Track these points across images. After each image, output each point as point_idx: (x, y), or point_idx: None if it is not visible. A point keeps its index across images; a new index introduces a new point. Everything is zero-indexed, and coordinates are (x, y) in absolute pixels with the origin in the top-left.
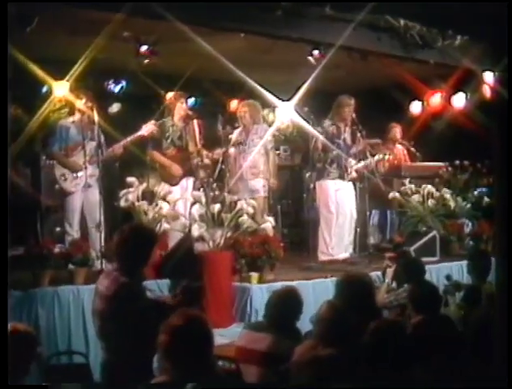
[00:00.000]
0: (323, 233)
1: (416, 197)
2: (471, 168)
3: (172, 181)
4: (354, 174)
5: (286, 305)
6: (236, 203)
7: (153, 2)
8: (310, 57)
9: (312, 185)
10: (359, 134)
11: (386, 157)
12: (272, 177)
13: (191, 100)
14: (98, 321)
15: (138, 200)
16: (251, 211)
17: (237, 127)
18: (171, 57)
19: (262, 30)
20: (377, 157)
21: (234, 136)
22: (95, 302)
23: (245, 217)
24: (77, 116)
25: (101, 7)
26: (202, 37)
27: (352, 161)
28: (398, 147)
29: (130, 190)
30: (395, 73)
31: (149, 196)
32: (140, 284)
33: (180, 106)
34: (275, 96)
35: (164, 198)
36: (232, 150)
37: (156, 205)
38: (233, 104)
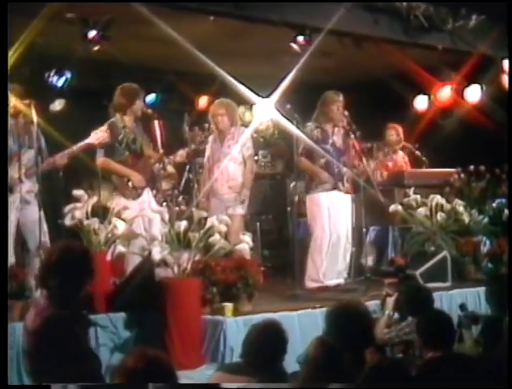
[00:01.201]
0: (313, 255)
1: (422, 210)
2: (488, 174)
3: (129, 194)
4: (351, 184)
5: (267, 341)
6: (206, 219)
7: None
8: (294, 44)
9: (297, 198)
10: (352, 136)
11: (388, 156)
12: (245, 187)
13: (150, 97)
14: (27, 361)
15: (87, 217)
16: (224, 229)
17: (207, 129)
18: (125, 44)
19: (236, 11)
20: (376, 160)
21: (209, 146)
22: (23, 340)
23: (216, 237)
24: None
25: None
26: (163, 19)
27: (344, 169)
28: (399, 152)
29: (78, 205)
30: (396, 62)
31: (101, 212)
32: (73, 316)
33: (138, 104)
34: (252, 90)
35: (118, 216)
36: (205, 160)
37: (110, 223)
38: (202, 100)
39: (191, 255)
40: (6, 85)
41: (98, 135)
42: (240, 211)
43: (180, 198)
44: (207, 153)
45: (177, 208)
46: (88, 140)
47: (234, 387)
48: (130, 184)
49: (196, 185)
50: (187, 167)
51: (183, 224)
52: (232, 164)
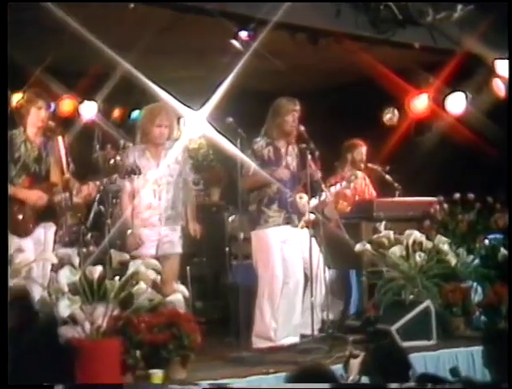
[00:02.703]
0: (261, 307)
1: (396, 249)
2: (478, 203)
3: (22, 230)
4: (309, 217)
5: None
6: (127, 263)
7: None
8: (235, 41)
9: (242, 235)
10: (310, 157)
11: (353, 183)
12: (192, 220)
13: (135, 112)
14: None
15: None
16: (152, 275)
17: (121, 148)
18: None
19: None
20: (339, 186)
21: (135, 165)
22: None
23: (142, 286)
24: None
25: None
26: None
27: (303, 197)
28: (360, 174)
29: None
30: (361, 64)
31: None
32: None
33: (36, 113)
34: (179, 100)
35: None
36: (127, 183)
37: None
38: (116, 112)
39: (108, 309)
40: (6, 85)
41: None
42: (178, 249)
43: (89, 236)
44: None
45: (85, 249)
46: None
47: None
48: (20, 216)
49: (109, 220)
50: (97, 196)
51: (97, 269)
52: (171, 189)
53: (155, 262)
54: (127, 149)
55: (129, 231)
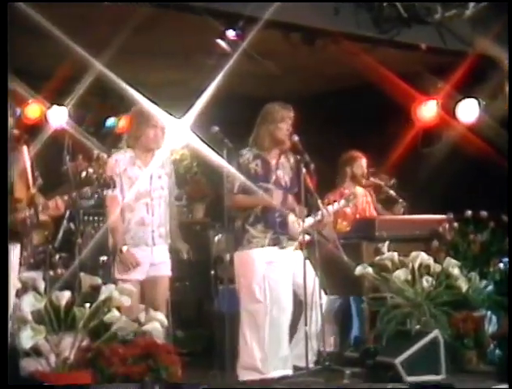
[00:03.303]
0: (246, 336)
1: (400, 273)
2: (491, 222)
3: None
4: (303, 237)
5: None
6: (99, 288)
7: None
8: (221, 41)
9: (228, 257)
10: (304, 170)
11: (352, 202)
12: (179, 239)
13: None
14: None
15: None
16: (127, 302)
17: (94, 160)
18: None
19: None
20: (337, 205)
21: (121, 174)
22: None
23: (115, 314)
24: None
25: None
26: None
27: (290, 216)
28: (359, 190)
29: None
30: (362, 67)
31: None
32: None
33: None
34: (159, 107)
35: None
36: (108, 192)
37: None
38: (89, 119)
39: (76, 340)
40: (6, 86)
41: None
42: (169, 271)
43: (57, 258)
44: (119, 184)
45: (52, 272)
46: None
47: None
48: None
49: (80, 239)
50: (67, 213)
51: (65, 295)
52: (163, 204)
53: (130, 287)
54: (113, 157)
55: (124, 248)
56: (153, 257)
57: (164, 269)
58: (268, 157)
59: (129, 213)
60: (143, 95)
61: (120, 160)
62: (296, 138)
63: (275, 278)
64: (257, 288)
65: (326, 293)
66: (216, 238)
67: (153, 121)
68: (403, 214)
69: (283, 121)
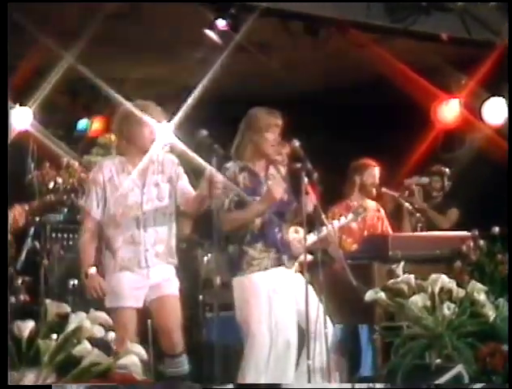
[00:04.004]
0: (245, 372)
1: (418, 299)
2: None
3: None
4: (304, 257)
5: None
6: (68, 317)
7: None
8: (210, 32)
9: (218, 280)
10: (306, 180)
11: (361, 216)
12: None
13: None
14: None
15: None
16: (99, 332)
17: (69, 168)
18: None
19: None
20: (344, 219)
21: (126, 183)
22: None
23: (85, 346)
24: None
25: None
26: None
27: (298, 231)
28: (370, 204)
29: None
30: (373, 61)
31: None
32: None
33: None
34: (139, 107)
35: None
36: (81, 202)
37: None
38: (58, 121)
39: (40, 376)
40: (6, 86)
41: None
42: (174, 290)
43: (19, 282)
44: (101, 195)
45: (14, 299)
46: None
47: None
48: None
49: (46, 260)
50: (31, 230)
51: (28, 325)
52: (160, 217)
53: (103, 315)
54: (97, 163)
55: (90, 270)
56: (150, 278)
57: (169, 288)
58: (255, 169)
59: (113, 230)
60: (121, 93)
61: (105, 167)
62: (296, 143)
63: (279, 306)
64: (262, 318)
65: (332, 322)
66: (205, 259)
67: (146, 117)
68: (421, 230)
69: (268, 131)
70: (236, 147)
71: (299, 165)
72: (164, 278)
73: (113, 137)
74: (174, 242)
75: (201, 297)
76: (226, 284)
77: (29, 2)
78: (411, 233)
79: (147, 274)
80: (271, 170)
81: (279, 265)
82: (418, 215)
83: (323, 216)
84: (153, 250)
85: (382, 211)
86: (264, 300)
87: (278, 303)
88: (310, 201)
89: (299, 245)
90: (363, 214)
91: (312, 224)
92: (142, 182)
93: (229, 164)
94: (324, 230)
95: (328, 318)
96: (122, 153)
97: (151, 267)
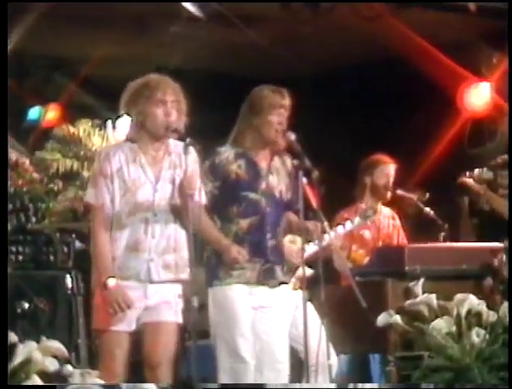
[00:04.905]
0: None
1: (441, 323)
2: None
3: None
4: (303, 271)
5: None
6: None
7: None
8: (188, 4)
9: (196, 301)
10: (304, 180)
11: (370, 219)
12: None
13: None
14: None
15: None
16: (52, 365)
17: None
18: None
19: None
20: (350, 224)
21: (136, 176)
22: None
23: (35, 381)
24: None
25: None
26: None
27: (296, 241)
28: (384, 210)
29: None
30: (385, 36)
31: None
32: None
33: None
34: (106, 92)
35: None
36: (105, 201)
37: None
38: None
39: None
40: (6, 86)
41: None
42: (171, 315)
43: None
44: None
45: None
46: None
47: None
48: None
49: None
50: None
51: None
52: (172, 219)
53: (57, 345)
54: (103, 150)
55: (111, 281)
56: (148, 298)
57: (167, 312)
58: (256, 158)
59: (116, 232)
60: (84, 76)
61: (114, 156)
62: (292, 136)
63: (266, 329)
64: (240, 341)
65: (336, 351)
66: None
67: (159, 94)
68: (444, 241)
69: (273, 113)
70: (234, 135)
71: (295, 162)
72: (164, 299)
73: (71, 128)
74: (187, 253)
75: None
76: (204, 306)
77: (29, 1)
78: (431, 244)
79: (144, 292)
80: (276, 162)
81: (268, 279)
82: (440, 222)
83: (325, 222)
84: (160, 259)
85: (397, 220)
86: (244, 319)
87: (262, 326)
88: (310, 203)
89: (296, 257)
90: (372, 217)
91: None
92: (156, 176)
93: (224, 148)
94: (326, 238)
95: (332, 347)
96: (133, 139)
97: (154, 281)
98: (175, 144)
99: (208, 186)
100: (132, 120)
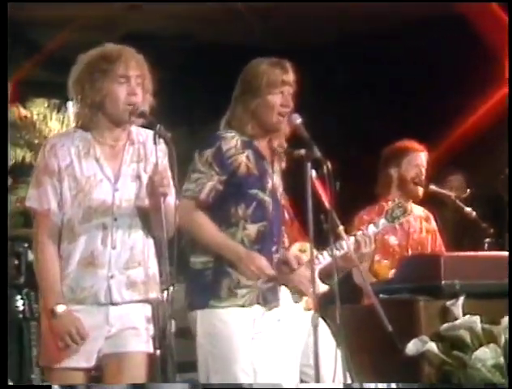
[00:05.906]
0: None
1: (486, 352)
2: None
3: None
4: (317, 287)
5: None
6: None
7: None
8: None
9: (173, 325)
10: (314, 174)
11: (399, 221)
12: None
13: None
14: None
15: None
16: None
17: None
18: None
19: None
20: (372, 228)
21: (91, 173)
22: None
23: None
24: None
25: None
26: None
27: (305, 249)
28: (416, 209)
29: None
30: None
31: None
32: None
33: None
34: (65, 66)
35: None
36: (51, 204)
37: None
38: None
39: None
40: (6, 86)
41: None
42: (140, 345)
43: None
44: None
45: None
46: None
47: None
48: None
49: None
50: None
51: None
52: (139, 224)
53: None
54: (49, 141)
55: (59, 308)
56: (109, 323)
57: (134, 341)
58: (258, 146)
59: (68, 243)
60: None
61: (61, 148)
62: (298, 119)
63: (270, 358)
64: (242, 377)
65: (356, 381)
66: (165, 293)
67: (121, 69)
68: (489, 249)
69: (274, 91)
70: (227, 119)
71: (302, 152)
72: (130, 325)
73: (23, 111)
74: (157, 266)
75: (158, 351)
76: (184, 332)
77: (29, 1)
78: (474, 253)
79: (105, 317)
80: (277, 158)
81: (270, 300)
82: (484, 226)
83: (341, 227)
84: (123, 276)
85: (433, 221)
86: (243, 349)
87: (264, 355)
88: (321, 204)
89: (307, 270)
90: (401, 218)
91: (324, 238)
92: (116, 172)
93: (228, 134)
94: (342, 246)
95: (350, 379)
96: (86, 126)
97: (117, 302)
98: (138, 132)
99: (213, 180)
100: (84, 102)
